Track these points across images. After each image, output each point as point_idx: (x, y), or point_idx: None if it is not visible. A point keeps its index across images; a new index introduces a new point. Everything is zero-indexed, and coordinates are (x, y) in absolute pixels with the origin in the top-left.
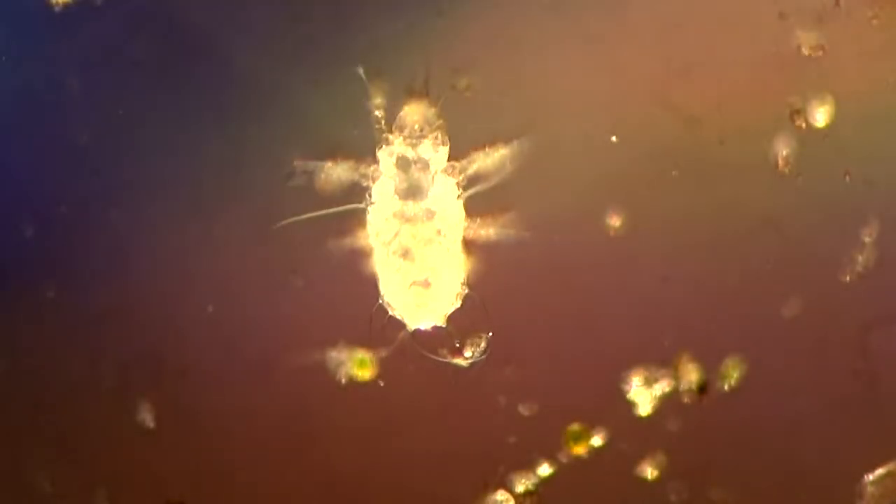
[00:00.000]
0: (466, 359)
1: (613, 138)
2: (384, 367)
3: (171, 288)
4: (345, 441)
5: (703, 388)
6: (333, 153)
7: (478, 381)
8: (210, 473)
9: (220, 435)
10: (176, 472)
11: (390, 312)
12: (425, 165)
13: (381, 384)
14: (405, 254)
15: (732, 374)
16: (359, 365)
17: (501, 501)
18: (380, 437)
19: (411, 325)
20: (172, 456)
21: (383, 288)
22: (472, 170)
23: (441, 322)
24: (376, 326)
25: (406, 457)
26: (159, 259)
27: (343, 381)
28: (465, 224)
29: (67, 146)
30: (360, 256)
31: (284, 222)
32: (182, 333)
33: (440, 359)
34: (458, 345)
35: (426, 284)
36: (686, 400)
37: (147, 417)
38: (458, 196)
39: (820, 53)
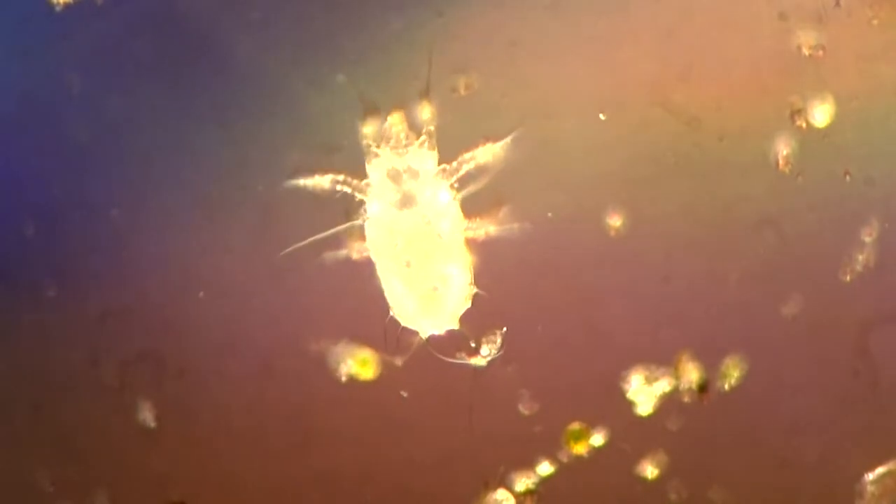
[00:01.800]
0: (484, 357)
1: (602, 116)
2: (390, 370)
3: (172, 288)
4: (345, 440)
5: (703, 388)
6: (331, 155)
7: (478, 381)
8: (211, 473)
9: (222, 435)
10: (177, 472)
11: (402, 324)
12: (416, 173)
13: (405, 395)
14: (408, 264)
15: (732, 374)
16: (360, 364)
17: (501, 500)
18: (380, 436)
19: (425, 333)
20: (173, 455)
21: (391, 300)
22: (464, 171)
23: (454, 325)
24: (391, 337)
25: (406, 456)
26: (159, 259)
27: (344, 379)
28: (465, 224)
29: (67, 146)
30: (359, 261)
31: (287, 250)
32: (182, 333)
33: (458, 361)
34: (473, 345)
35: (434, 290)
36: (686, 400)
37: (148, 417)
38: (454, 198)
39: (820, 53)
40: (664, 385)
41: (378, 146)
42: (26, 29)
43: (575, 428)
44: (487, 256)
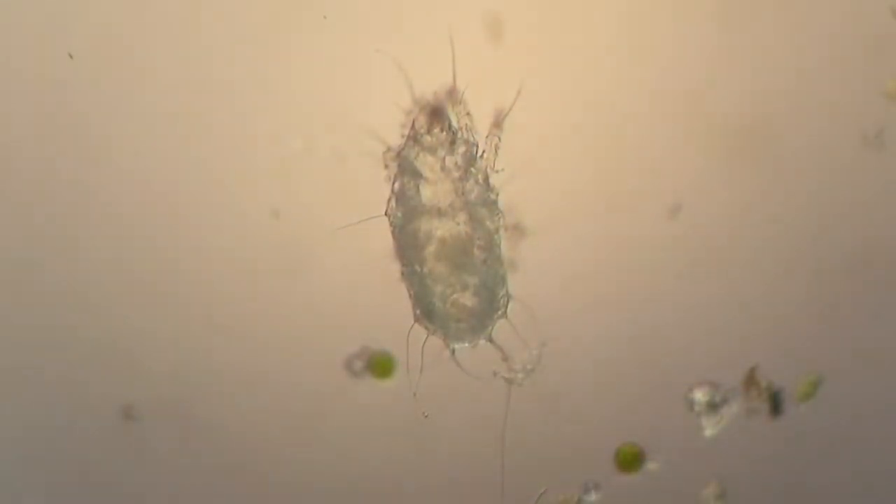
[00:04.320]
0: (517, 373)
1: None
2: (412, 384)
3: (174, 286)
4: (361, 460)
5: (776, 408)
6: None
7: (513, 399)
8: (211, 472)
9: (222, 434)
10: (178, 474)
11: (428, 334)
12: (451, 168)
13: (426, 415)
14: (438, 267)
15: (808, 392)
16: (379, 369)
17: None
18: (401, 455)
19: (453, 345)
20: (174, 457)
21: (417, 306)
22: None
23: (487, 338)
24: (414, 349)
25: (429, 480)
26: (160, 257)
27: (362, 385)
28: (501, 225)
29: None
30: (380, 259)
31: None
32: (183, 333)
33: (490, 377)
34: (505, 360)
35: (466, 298)
36: (755, 421)
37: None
38: (492, 199)
39: None
40: (730, 403)
41: (409, 142)
42: None
43: (627, 449)
44: (527, 262)
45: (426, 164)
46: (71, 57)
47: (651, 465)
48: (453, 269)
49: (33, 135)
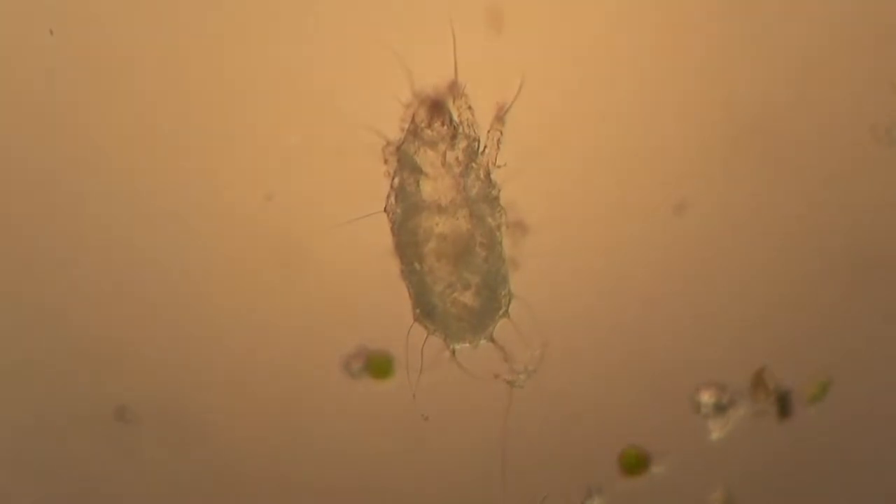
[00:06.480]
0: (518, 374)
1: None
2: (412, 385)
3: (169, 285)
4: (362, 463)
5: (784, 411)
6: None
7: (520, 399)
8: (205, 473)
9: (217, 436)
10: (174, 479)
11: (427, 333)
12: (452, 164)
13: (425, 417)
14: (439, 265)
15: (817, 395)
16: (378, 370)
17: None
18: (399, 458)
19: (453, 345)
20: (166, 454)
21: (417, 305)
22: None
23: (488, 338)
24: (414, 348)
25: (427, 484)
26: (153, 256)
27: (360, 384)
28: (503, 222)
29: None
30: (379, 256)
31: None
32: (177, 334)
33: (491, 378)
34: (506, 361)
35: (467, 296)
36: (763, 424)
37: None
38: (493, 193)
39: None
40: (737, 405)
41: (409, 136)
42: None
43: (631, 453)
44: (529, 260)
45: (427, 159)
46: (52, 33)
47: (656, 469)
48: (454, 266)
49: (15, 122)
